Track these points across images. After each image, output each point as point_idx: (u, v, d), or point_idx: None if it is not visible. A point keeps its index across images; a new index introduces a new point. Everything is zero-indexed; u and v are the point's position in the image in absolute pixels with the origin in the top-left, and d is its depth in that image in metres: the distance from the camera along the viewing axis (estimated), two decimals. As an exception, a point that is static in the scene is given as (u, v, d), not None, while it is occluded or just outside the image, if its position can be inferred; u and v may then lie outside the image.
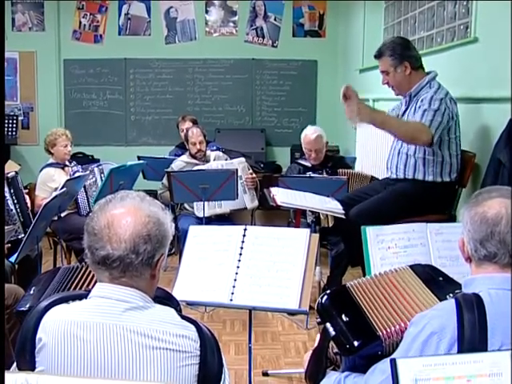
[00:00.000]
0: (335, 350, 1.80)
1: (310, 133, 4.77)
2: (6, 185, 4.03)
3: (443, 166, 3.58)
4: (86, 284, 2.40)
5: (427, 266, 2.09)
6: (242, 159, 5.01)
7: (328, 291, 1.89)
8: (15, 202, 4.08)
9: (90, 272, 2.49)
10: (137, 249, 1.50)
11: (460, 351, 1.48)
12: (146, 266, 1.53)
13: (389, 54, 3.60)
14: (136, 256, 1.50)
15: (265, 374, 3.51)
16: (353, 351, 1.71)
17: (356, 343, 1.70)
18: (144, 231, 1.51)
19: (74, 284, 2.42)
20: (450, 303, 1.59)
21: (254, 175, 5.00)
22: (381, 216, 3.41)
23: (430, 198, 3.59)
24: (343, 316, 1.77)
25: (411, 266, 2.05)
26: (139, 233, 1.50)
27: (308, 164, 4.84)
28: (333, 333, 1.74)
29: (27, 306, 2.52)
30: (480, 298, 1.56)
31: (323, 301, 1.83)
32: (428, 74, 3.66)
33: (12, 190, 4.07)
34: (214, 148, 5.65)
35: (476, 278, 1.66)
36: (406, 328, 1.67)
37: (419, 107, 3.51)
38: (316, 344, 1.87)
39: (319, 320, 1.81)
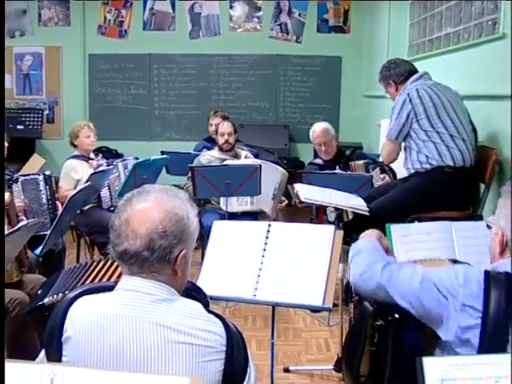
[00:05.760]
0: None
1: (316, 127, 5.00)
2: (43, 179, 4.21)
3: (429, 154, 3.67)
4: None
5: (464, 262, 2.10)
6: (286, 172, 4.98)
7: None
8: (48, 197, 4.18)
9: (93, 270, 2.55)
10: (152, 245, 1.48)
11: (485, 315, 1.55)
12: (164, 262, 1.51)
13: (379, 78, 4.09)
14: (151, 252, 1.48)
15: (286, 370, 3.51)
16: (395, 321, 1.72)
17: (398, 313, 1.72)
18: (160, 227, 1.49)
19: (80, 283, 2.49)
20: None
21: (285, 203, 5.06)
22: (392, 211, 3.52)
23: (432, 187, 3.66)
24: None
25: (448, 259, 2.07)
26: (155, 229, 1.48)
27: (320, 162, 4.90)
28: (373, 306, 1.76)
29: (33, 306, 2.61)
30: (509, 274, 1.60)
31: None
32: None
33: (47, 186, 4.23)
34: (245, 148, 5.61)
35: (503, 262, 1.69)
36: None
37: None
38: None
39: (357, 298, 1.85)
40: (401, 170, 4.98)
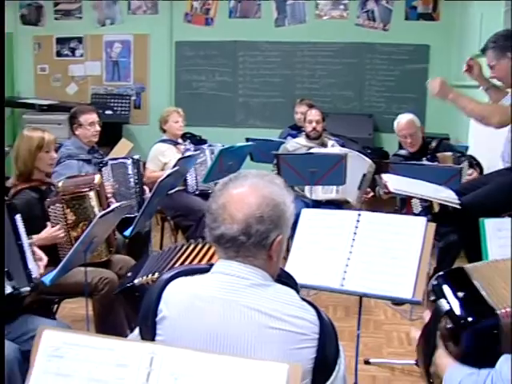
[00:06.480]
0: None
1: (401, 119, 4.84)
2: (131, 163, 4.31)
3: None
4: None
5: None
6: (373, 164, 4.93)
7: (442, 271, 1.85)
8: (136, 181, 4.30)
9: (182, 254, 2.59)
10: (248, 230, 1.48)
11: None
12: (260, 247, 1.51)
13: (491, 47, 3.53)
14: (247, 237, 1.49)
15: (366, 362, 3.49)
16: (467, 325, 1.65)
17: (471, 317, 1.64)
18: (257, 212, 1.49)
19: (169, 266, 2.54)
20: None
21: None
22: (487, 207, 3.31)
23: None
24: (458, 292, 1.72)
25: None
26: (252, 214, 1.49)
27: (405, 153, 4.79)
28: (446, 307, 1.69)
29: (124, 286, 2.69)
30: None
31: (438, 278, 1.79)
32: None
33: (135, 170, 4.35)
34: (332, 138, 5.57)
35: None
36: None
37: None
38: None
39: (433, 298, 1.77)
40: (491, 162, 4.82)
